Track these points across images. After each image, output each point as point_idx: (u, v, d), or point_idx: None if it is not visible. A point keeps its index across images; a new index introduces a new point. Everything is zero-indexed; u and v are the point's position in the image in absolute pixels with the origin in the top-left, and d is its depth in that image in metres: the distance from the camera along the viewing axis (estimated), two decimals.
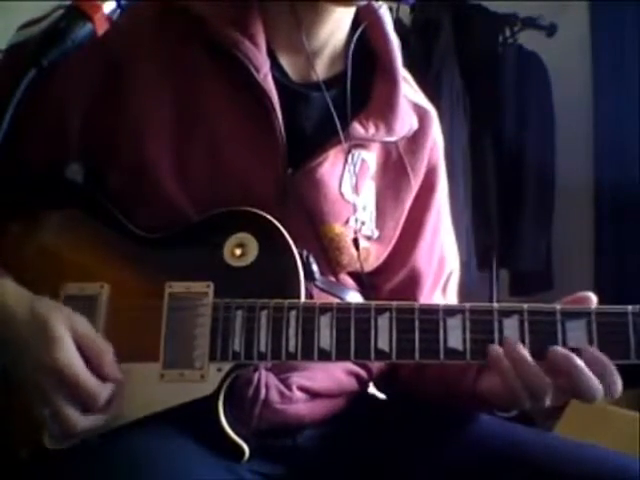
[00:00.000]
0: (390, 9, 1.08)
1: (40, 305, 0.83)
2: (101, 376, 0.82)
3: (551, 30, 2.95)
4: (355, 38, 1.01)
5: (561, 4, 3.04)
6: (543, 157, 2.99)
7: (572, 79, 3.09)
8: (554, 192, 3.02)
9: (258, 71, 0.94)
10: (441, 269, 1.12)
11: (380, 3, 1.04)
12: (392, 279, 1.09)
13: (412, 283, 1.09)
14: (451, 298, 1.14)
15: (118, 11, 0.80)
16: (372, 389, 1.12)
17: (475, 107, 2.85)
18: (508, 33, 2.96)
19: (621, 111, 3.04)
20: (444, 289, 1.13)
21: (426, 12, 2.89)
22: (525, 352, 0.83)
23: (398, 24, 2.65)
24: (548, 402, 0.84)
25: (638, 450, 1.75)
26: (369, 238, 1.02)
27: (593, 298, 0.86)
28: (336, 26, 1.00)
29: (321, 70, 1.01)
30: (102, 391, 0.82)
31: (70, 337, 0.81)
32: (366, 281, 1.04)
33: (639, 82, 2.95)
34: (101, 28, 0.79)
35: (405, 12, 2.88)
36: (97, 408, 0.82)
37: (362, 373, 1.05)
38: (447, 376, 0.98)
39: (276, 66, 0.98)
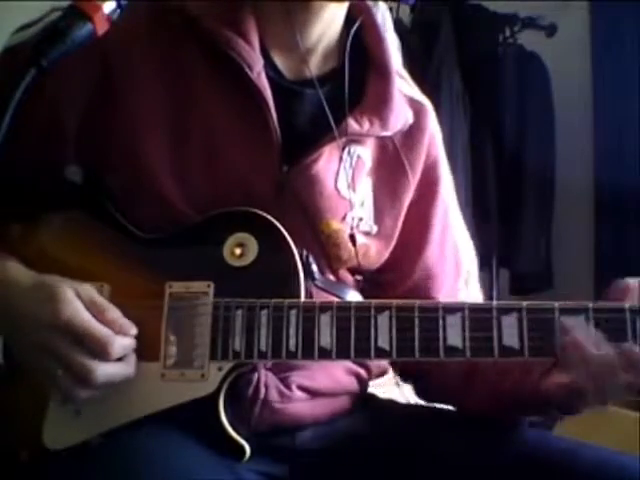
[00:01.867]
0: (390, 9, 1.09)
1: (45, 276, 0.86)
2: (112, 327, 0.83)
3: (551, 30, 2.95)
4: (351, 34, 1.02)
5: (561, 4, 3.04)
6: (543, 157, 2.99)
7: (572, 79, 3.09)
8: (554, 192, 3.02)
9: (252, 69, 0.94)
10: (458, 264, 1.11)
11: (379, 2, 1.05)
12: (406, 277, 1.08)
13: (427, 279, 1.08)
14: (475, 293, 1.13)
15: (118, 11, 0.80)
16: (372, 389, 1.12)
17: (475, 107, 2.86)
18: (508, 33, 2.96)
19: (621, 111, 3.04)
20: (466, 285, 1.11)
21: (426, 12, 2.89)
22: (592, 347, 0.82)
23: (398, 24, 2.64)
24: (616, 396, 0.84)
25: (638, 450, 1.74)
26: (368, 234, 1.02)
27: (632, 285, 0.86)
28: (329, 23, 1.00)
29: (314, 67, 1.01)
30: (114, 337, 0.82)
31: (75, 296, 0.83)
32: (373, 277, 1.03)
33: (639, 82, 2.95)
34: (101, 28, 0.79)
35: (405, 12, 2.88)
36: (111, 356, 0.82)
37: (362, 372, 1.05)
38: (505, 387, 0.96)
39: (270, 64, 0.98)
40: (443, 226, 1.10)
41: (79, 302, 0.83)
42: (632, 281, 0.87)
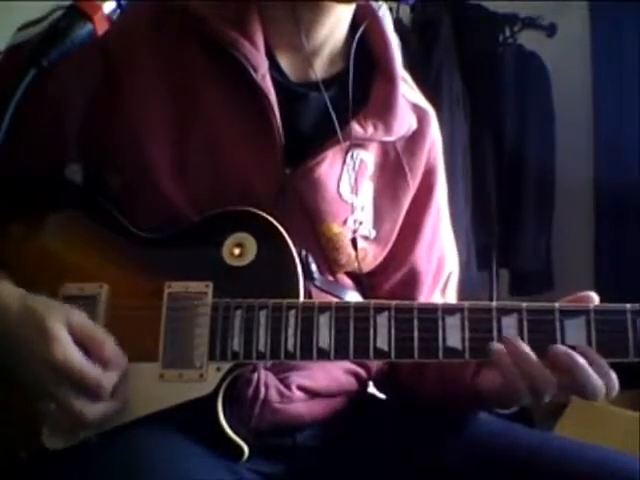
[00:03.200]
0: (390, 9, 1.09)
1: (36, 303, 0.83)
2: (103, 364, 0.82)
3: (551, 30, 2.95)
4: (357, 38, 1.01)
5: (561, 4, 3.04)
6: (543, 157, 2.99)
7: (572, 79, 3.09)
8: (554, 192, 3.02)
9: (256, 71, 0.94)
10: (440, 270, 1.12)
11: (380, 3, 1.05)
12: (390, 279, 1.08)
13: (411, 283, 1.09)
14: (450, 299, 1.14)
15: (118, 11, 0.80)
16: (372, 389, 1.12)
17: (475, 107, 2.85)
18: (508, 33, 2.96)
19: (621, 111, 3.04)
20: (443, 290, 1.13)
21: (426, 12, 2.88)
22: (526, 347, 0.83)
23: (398, 24, 2.65)
24: (548, 398, 0.84)
25: (638, 450, 1.74)
26: (366, 238, 1.02)
27: (594, 297, 0.86)
28: (335, 26, 1.00)
29: (320, 70, 1.01)
30: (106, 379, 0.82)
31: (67, 332, 0.81)
32: (365, 281, 1.04)
33: (639, 82, 2.95)
34: (101, 28, 0.79)
35: (405, 12, 2.88)
36: (104, 396, 0.82)
37: (361, 372, 1.05)
38: (445, 375, 0.98)
39: (275, 66, 0.98)
40: (433, 232, 1.10)
41: (70, 340, 0.81)
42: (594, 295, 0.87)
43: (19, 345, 0.81)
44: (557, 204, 3.03)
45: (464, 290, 1.19)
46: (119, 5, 0.80)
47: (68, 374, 0.80)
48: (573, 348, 0.83)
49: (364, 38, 1.04)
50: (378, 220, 1.04)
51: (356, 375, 1.05)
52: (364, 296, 1.03)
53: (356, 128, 0.98)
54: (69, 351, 0.80)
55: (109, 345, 0.83)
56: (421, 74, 2.54)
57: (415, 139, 1.06)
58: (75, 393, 0.80)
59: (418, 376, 1.04)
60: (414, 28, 2.92)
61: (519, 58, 2.96)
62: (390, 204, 1.05)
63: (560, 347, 0.83)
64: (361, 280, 1.03)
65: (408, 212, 1.07)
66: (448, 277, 1.14)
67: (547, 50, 2.98)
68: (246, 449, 0.87)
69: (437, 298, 1.11)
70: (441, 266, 1.12)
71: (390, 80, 1.03)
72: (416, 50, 2.77)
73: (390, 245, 1.06)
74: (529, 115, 2.95)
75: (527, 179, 2.93)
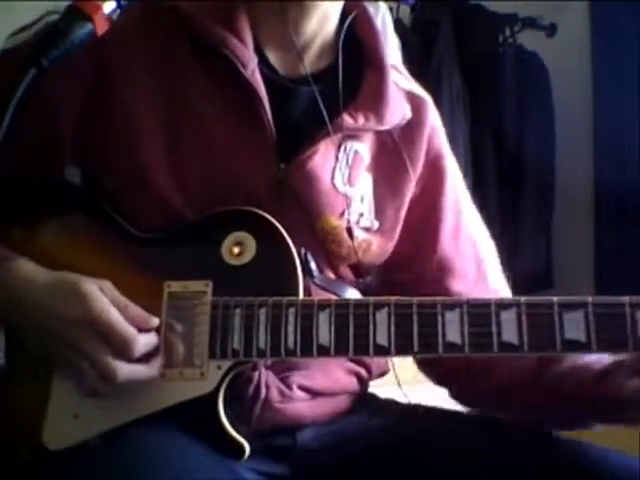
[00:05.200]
0: (390, 9, 1.09)
1: (63, 273, 0.86)
2: (136, 324, 0.84)
3: (551, 30, 2.95)
4: (344, 30, 1.02)
5: (561, 4, 3.04)
6: (543, 157, 2.99)
7: (572, 79, 3.08)
8: (554, 192, 3.02)
9: (245, 67, 0.94)
10: (477, 257, 1.08)
11: (380, 3, 1.05)
12: (423, 275, 1.06)
13: (445, 275, 1.06)
14: (497, 285, 1.09)
15: (118, 11, 0.81)
16: (372, 388, 1.12)
17: (475, 107, 2.85)
18: (508, 33, 2.96)
19: (621, 111, 3.03)
20: (487, 276, 1.08)
21: (426, 12, 2.88)
22: None
23: (398, 24, 2.64)
24: None
25: (638, 450, 1.74)
26: (369, 229, 1.02)
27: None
28: (323, 21, 1.00)
29: (309, 64, 1.01)
30: (138, 338, 0.83)
31: (102, 294, 0.84)
32: (381, 276, 1.03)
33: (639, 82, 2.95)
34: (101, 28, 0.79)
35: (405, 12, 2.88)
36: (134, 355, 0.83)
37: (362, 372, 1.05)
38: (561, 384, 0.94)
39: (264, 62, 0.98)
40: (456, 218, 1.08)
41: (106, 299, 0.83)
42: None
43: (48, 312, 0.83)
44: (557, 204, 3.02)
45: None
46: (119, 5, 0.80)
47: (105, 328, 0.82)
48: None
49: (352, 30, 1.04)
50: (380, 211, 1.03)
51: (357, 375, 1.05)
52: (370, 291, 1.01)
53: (347, 119, 0.98)
54: (106, 306, 0.83)
55: (138, 310, 0.85)
56: (421, 74, 2.53)
57: (413, 127, 1.05)
58: (109, 350, 0.82)
59: (505, 391, 1.00)
60: (414, 28, 2.92)
61: (519, 58, 2.95)
62: (391, 194, 1.04)
63: None
64: (382, 278, 1.02)
65: (423, 203, 1.06)
66: (488, 263, 1.09)
67: (547, 50, 2.98)
68: (247, 447, 0.87)
69: (484, 288, 1.07)
70: (477, 254, 1.08)
71: (379, 69, 1.02)
72: (416, 50, 2.77)
73: (396, 235, 1.05)
74: (529, 115, 2.95)
75: (527, 179, 2.93)
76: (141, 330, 0.84)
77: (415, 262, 1.06)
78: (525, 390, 0.98)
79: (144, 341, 0.84)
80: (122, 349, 0.82)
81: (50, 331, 0.84)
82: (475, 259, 1.08)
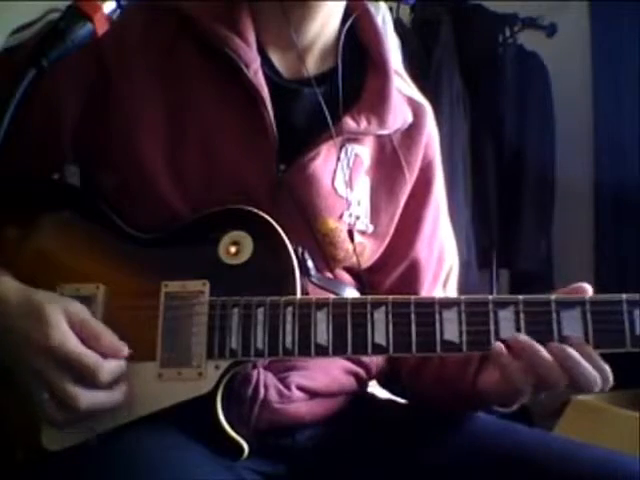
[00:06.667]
0: (390, 9, 1.09)
1: (35, 293, 0.84)
2: (101, 354, 0.82)
3: (551, 30, 2.96)
4: (345, 30, 1.02)
5: (561, 4, 3.04)
6: (543, 157, 2.99)
7: (572, 79, 3.09)
8: (554, 192, 3.02)
9: (248, 67, 0.94)
10: (440, 263, 1.12)
11: (380, 3, 1.05)
12: (391, 275, 1.08)
13: (412, 278, 1.08)
14: (451, 293, 1.13)
15: (118, 11, 0.80)
16: (371, 388, 1.12)
17: (475, 107, 2.86)
18: (508, 33, 2.96)
19: (621, 111, 3.04)
20: (444, 284, 1.12)
21: (426, 12, 2.89)
22: (534, 343, 0.83)
23: (398, 24, 2.65)
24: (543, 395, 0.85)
25: (638, 450, 1.74)
26: (364, 233, 1.02)
27: (588, 289, 0.86)
28: (326, 21, 1.01)
29: (312, 66, 1.01)
30: (103, 364, 0.81)
31: (65, 320, 0.82)
32: (364, 277, 1.03)
33: (639, 82, 2.95)
34: (101, 28, 0.79)
35: (405, 12, 2.88)
36: (100, 383, 0.81)
37: (361, 372, 1.05)
38: (446, 374, 0.98)
39: (267, 63, 0.98)
40: (433, 226, 1.10)
41: (67, 326, 0.81)
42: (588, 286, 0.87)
43: (17, 335, 0.81)
44: (557, 204, 3.03)
45: (464, 290, 1.18)
46: (119, 5, 0.80)
47: (64, 359, 0.80)
48: (565, 340, 0.83)
49: (356, 33, 1.04)
50: (375, 214, 1.03)
51: (356, 375, 1.05)
52: (363, 293, 1.03)
53: (349, 122, 0.98)
54: (66, 336, 0.81)
55: (107, 335, 0.84)
56: (421, 74, 2.53)
57: (412, 133, 1.06)
58: (71, 379, 0.80)
59: (417, 376, 1.04)
60: (414, 28, 2.92)
61: (519, 58, 2.96)
62: (387, 198, 1.05)
63: (552, 343, 0.83)
64: (361, 277, 1.03)
65: (407, 207, 1.07)
66: (449, 271, 1.13)
67: (547, 50, 2.98)
68: (246, 447, 0.87)
69: (439, 292, 1.11)
70: (441, 260, 1.12)
71: (383, 73, 1.03)
72: (416, 50, 2.77)
73: (388, 239, 1.06)
74: (529, 115, 2.95)
75: (527, 179, 2.93)
76: (109, 357, 0.82)
77: (387, 264, 1.07)
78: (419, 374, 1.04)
79: (109, 368, 0.82)
80: (86, 377, 0.81)
81: (16, 353, 0.82)
82: (439, 264, 1.11)
